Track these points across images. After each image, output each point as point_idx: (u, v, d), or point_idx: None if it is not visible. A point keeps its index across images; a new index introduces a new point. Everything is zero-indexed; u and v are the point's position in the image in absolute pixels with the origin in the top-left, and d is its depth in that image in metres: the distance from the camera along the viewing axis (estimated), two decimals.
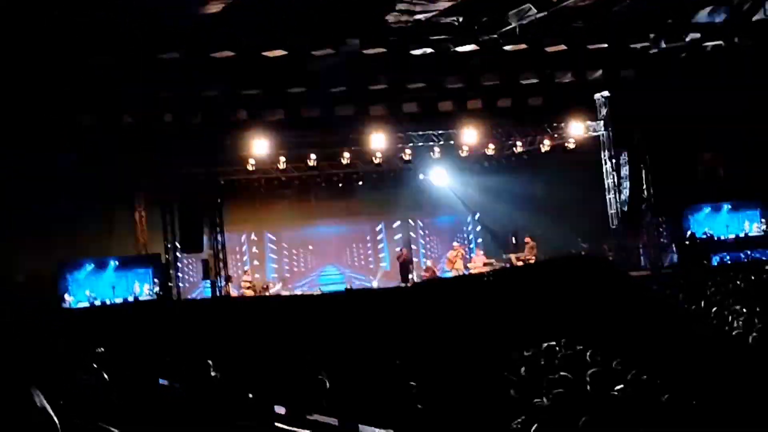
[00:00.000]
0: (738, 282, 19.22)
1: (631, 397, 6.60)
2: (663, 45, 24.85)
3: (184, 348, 9.63)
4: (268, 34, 21.59)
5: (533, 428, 5.92)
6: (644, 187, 29.13)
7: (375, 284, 32.04)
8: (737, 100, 29.64)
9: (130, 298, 26.32)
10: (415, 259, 32.89)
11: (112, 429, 6.39)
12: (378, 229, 33.80)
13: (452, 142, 29.40)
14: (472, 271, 31.36)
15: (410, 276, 30.65)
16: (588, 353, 8.74)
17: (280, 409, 7.18)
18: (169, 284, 27.49)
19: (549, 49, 24.63)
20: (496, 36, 23.13)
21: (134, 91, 24.81)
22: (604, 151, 29.64)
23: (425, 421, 5.58)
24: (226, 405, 7.71)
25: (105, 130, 27.31)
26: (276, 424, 6.08)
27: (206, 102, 26.29)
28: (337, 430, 5.86)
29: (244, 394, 7.76)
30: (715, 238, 29.39)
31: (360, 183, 32.40)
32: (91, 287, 26.44)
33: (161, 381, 9.16)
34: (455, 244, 31.54)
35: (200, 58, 22.34)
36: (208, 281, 27.40)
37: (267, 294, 29.32)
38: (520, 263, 30.88)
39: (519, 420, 6.38)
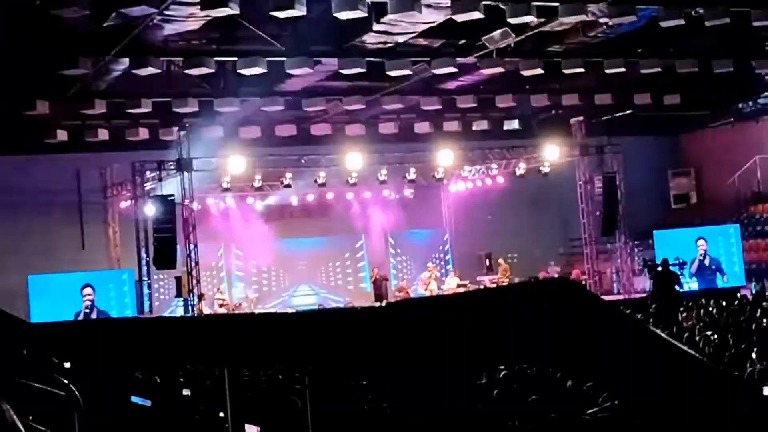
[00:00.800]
0: (710, 309, 19.30)
1: (602, 421, 6.60)
2: (640, 70, 24.97)
3: (157, 364, 9.55)
4: (244, 51, 21.55)
5: None
6: (618, 212, 29.23)
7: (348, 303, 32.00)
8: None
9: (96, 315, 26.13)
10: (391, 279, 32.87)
11: None
12: (358, 245, 33.70)
13: (428, 163, 29.46)
14: (446, 292, 31.37)
15: (384, 296, 30.63)
16: (558, 376, 8.75)
17: (251, 429, 7.13)
18: (142, 301, 27.30)
19: (525, 73, 24.71)
20: (473, 59, 23.19)
21: (110, 105, 24.72)
22: (579, 176, 29.75)
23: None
24: (196, 423, 7.66)
25: (79, 147, 27.28)
26: None
27: (181, 118, 26.22)
28: None
29: (216, 413, 7.71)
30: (687, 264, 29.49)
31: (336, 203, 32.51)
32: (63, 302, 26.20)
33: (132, 398, 9.09)
34: (429, 265, 31.57)
35: (176, 74, 22.28)
36: (181, 299, 27.26)
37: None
38: (493, 286, 30.93)
39: None
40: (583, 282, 30.09)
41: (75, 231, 29.20)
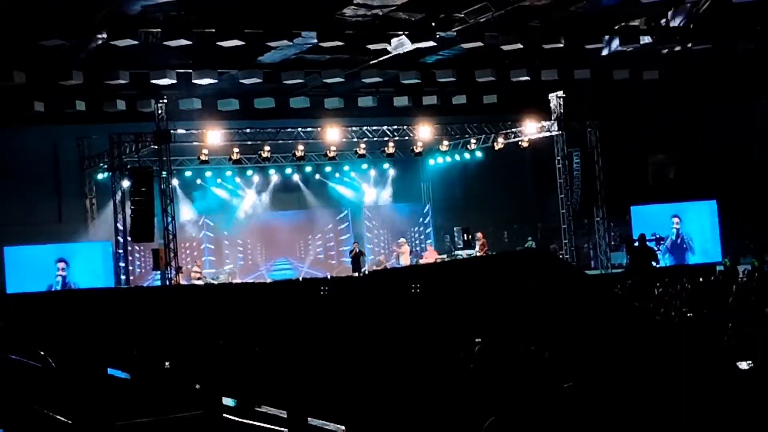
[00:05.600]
0: (686, 284, 19.40)
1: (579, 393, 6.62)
2: (617, 47, 25.03)
3: (136, 337, 9.54)
4: (224, 23, 21.47)
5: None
6: (597, 187, 29.33)
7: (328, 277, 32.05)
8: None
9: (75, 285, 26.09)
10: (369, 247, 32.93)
11: (57, 416, 6.33)
12: (340, 219, 33.66)
13: (407, 137, 29.45)
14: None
15: (363, 270, 30.70)
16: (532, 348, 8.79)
17: (228, 401, 7.14)
18: (119, 274, 27.25)
19: (505, 48, 24.72)
20: (453, 33, 23.18)
21: (87, 76, 24.59)
22: (557, 151, 29.79)
23: (378, 412, 5.56)
24: (174, 395, 7.65)
25: (56, 119, 27.14)
26: (225, 415, 6.05)
27: (159, 90, 26.11)
28: (286, 423, 5.84)
29: (192, 385, 7.70)
30: (664, 239, 29.65)
31: (315, 177, 32.56)
32: (39, 274, 26.13)
33: (110, 370, 9.07)
34: (401, 240, 31.60)
35: (155, 46, 22.15)
36: (158, 272, 27.22)
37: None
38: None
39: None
40: (560, 257, 30.24)
41: (52, 203, 29.06)
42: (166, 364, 8.49)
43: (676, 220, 29.58)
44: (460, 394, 5.57)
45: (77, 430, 5.81)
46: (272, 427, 5.68)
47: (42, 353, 9.15)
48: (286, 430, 5.63)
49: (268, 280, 31.23)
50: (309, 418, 5.86)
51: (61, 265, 26.47)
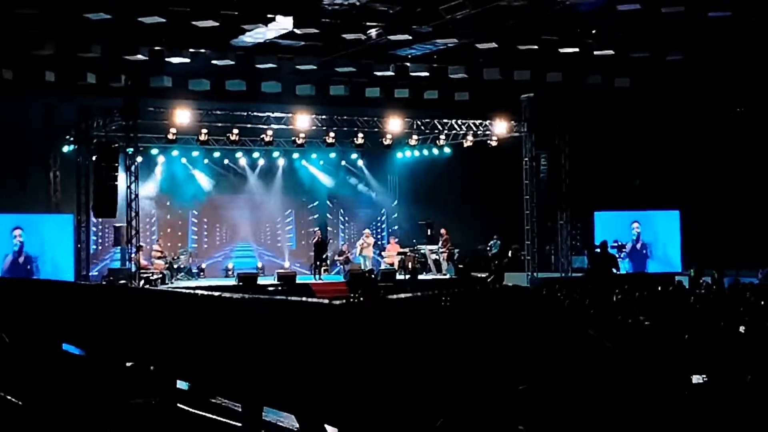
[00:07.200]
0: (644, 292, 19.53)
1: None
2: (593, 51, 25.14)
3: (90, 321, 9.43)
4: (200, 3, 21.31)
5: None
6: (562, 190, 29.47)
7: (286, 264, 32.02)
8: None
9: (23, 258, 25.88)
10: (332, 241, 32.91)
11: (6, 396, 6.25)
12: (305, 207, 33.66)
13: (376, 129, 29.43)
14: (386, 260, 31.55)
15: (325, 257, 30.73)
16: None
17: (182, 385, 7.09)
18: (79, 248, 27.02)
19: (479, 46, 24.72)
20: (428, 28, 23.16)
21: (59, 47, 24.33)
22: (525, 152, 29.88)
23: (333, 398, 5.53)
24: (128, 378, 7.58)
25: (25, 88, 26.81)
26: (179, 405, 6.01)
27: (130, 66, 25.90)
28: (240, 415, 5.82)
29: (146, 367, 7.63)
30: (626, 247, 29.84)
31: (282, 163, 32.51)
32: None
33: (64, 346, 8.97)
34: (366, 231, 31.62)
35: (128, 22, 21.95)
36: (119, 248, 27.09)
37: (175, 266, 29.15)
38: (434, 255, 31.17)
39: None
40: (522, 258, 30.38)
41: (15, 172, 28.67)
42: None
43: (635, 225, 29.85)
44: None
45: (29, 412, 5.75)
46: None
47: None
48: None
49: (230, 265, 31.21)
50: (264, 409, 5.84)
51: (17, 231, 26.15)
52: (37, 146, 28.77)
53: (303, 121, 27.85)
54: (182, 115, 26.47)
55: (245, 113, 27.80)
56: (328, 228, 33.49)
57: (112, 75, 26.99)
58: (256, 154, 31.90)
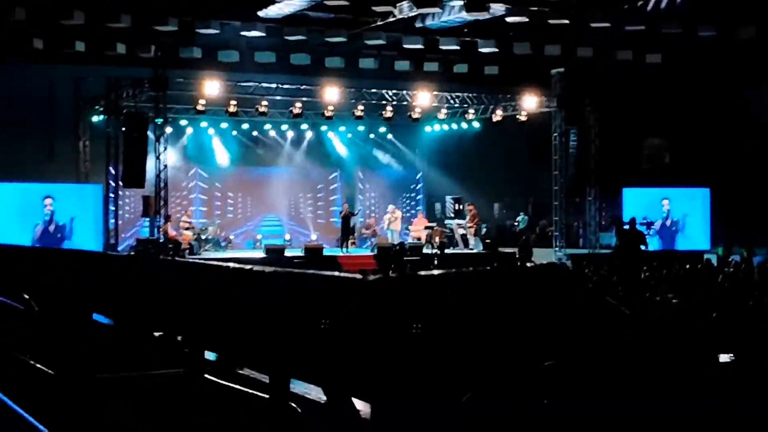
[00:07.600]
0: (672, 270, 19.47)
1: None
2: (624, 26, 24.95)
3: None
4: None
5: None
6: (591, 166, 29.28)
7: (313, 236, 32.04)
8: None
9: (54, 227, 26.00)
10: (359, 214, 32.91)
11: (37, 365, 6.30)
12: (331, 179, 33.63)
13: (405, 102, 29.35)
14: (413, 234, 31.53)
15: (352, 229, 30.69)
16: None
17: (210, 356, 7.12)
18: (108, 218, 27.17)
19: (510, 20, 24.57)
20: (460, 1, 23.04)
21: (88, 17, 24.39)
22: (555, 128, 29.72)
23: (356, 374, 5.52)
24: (156, 348, 7.62)
25: (55, 58, 26.90)
26: (206, 375, 6.03)
27: (160, 37, 25.93)
28: (267, 387, 5.82)
29: (174, 338, 7.66)
30: (654, 224, 29.69)
31: (310, 135, 32.49)
32: (25, 212, 26.00)
33: (95, 316, 9.00)
34: (391, 206, 31.54)
35: None
36: (147, 218, 27.19)
37: (204, 237, 29.27)
38: (461, 230, 31.08)
39: None
40: (549, 234, 30.29)
41: (44, 142, 28.81)
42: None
43: (665, 201, 29.65)
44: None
45: (60, 381, 5.79)
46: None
47: (26, 296, 9.11)
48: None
49: (258, 236, 31.30)
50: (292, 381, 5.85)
51: (48, 200, 26.27)
52: (67, 116, 28.88)
53: (332, 93, 27.78)
54: (211, 87, 26.47)
55: (274, 85, 27.78)
56: (356, 201, 33.46)
57: (142, 45, 27.05)
58: (284, 127, 31.88)
